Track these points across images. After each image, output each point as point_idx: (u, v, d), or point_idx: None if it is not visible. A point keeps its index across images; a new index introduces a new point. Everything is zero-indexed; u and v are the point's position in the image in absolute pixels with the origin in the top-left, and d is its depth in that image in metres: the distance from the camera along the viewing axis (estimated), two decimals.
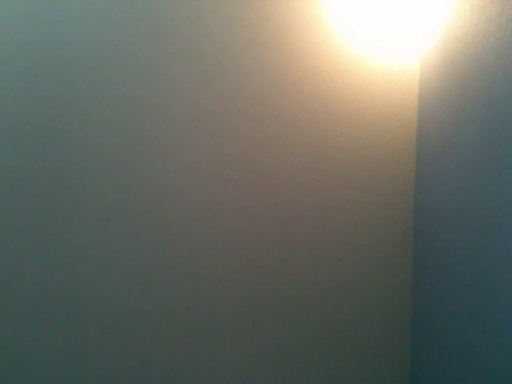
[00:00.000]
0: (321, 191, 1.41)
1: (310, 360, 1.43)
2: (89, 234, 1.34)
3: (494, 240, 1.07)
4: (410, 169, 1.43)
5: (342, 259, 1.43)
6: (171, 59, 1.35)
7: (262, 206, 1.39)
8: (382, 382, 1.45)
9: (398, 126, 1.42)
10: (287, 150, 1.39)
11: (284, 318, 1.41)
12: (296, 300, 1.42)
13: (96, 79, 1.33)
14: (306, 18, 1.37)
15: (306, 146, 1.40)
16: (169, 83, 1.35)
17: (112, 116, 1.34)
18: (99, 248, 1.35)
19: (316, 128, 1.40)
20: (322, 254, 1.42)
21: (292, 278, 1.41)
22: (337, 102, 1.40)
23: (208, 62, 1.36)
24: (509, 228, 1.02)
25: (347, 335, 1.43)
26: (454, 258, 1.23)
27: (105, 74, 1.33)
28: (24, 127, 1.32)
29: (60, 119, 1.33)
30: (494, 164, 1.07)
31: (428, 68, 1.36)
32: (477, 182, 1.13)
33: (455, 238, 1.22)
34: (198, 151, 1.37)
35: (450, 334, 1.24)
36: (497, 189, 1.06)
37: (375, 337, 1.44)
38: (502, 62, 1.04)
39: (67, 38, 1.32)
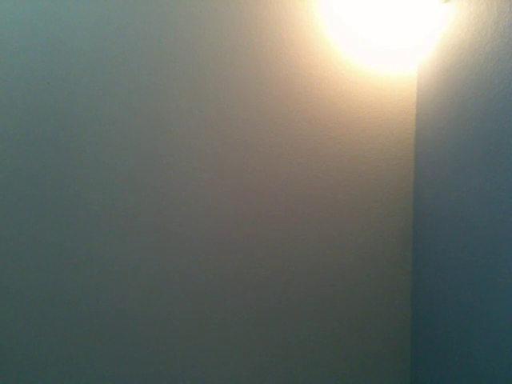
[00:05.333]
0: (319, 199, 1.41)
1: (311, 365, 1.42)
2: (89, 242, 1.34)
3: (493, 245, 1.07)
4: (408, 175, 1.43)
5: (341, 265, 1.42)
6: (167, 68, 1.35)
7: (260, 214, 1.39)
8: None
9: (396, 134, 1.42)
10: (285, 158, 1.39)
11: (284, 322, 1.41)
12: (296, 306, 1.41)
13: (95, 88, 1.33)
14: (304, 26, 1.38)
15: (304, 153, 1.40)
16: (165, 92, 1.35)
17: (110, 124, 1.34)
18: (99, 255, 1.34)
19: (314, 136, 1.40)
20: (320, 260, 1.41)
21: (291, 284, 1.41)
22: (334, 109, 1.40)
23: (204, 72, 1.36)
24: (508, 233, 1.02)
25: (347, 340, 1.43)
26: (453, 263, 1.22)
27: (103, 82, 1.34)
28: (23, 137, 1.32)
29: (59, 128, 1.33)
30: (492, 170, 1.07)
31: (425, 75, 1.37)
32: (475, 188, 1.13)
33: (454, 243, 1.22)
34: (196, 159, 1.37)
35: (450, 338, 1.23)
36: (495, 194, 1.06)
37: (375, 343, 1.44)
38: (499, 69, 1.05)
39: (66, 45, 1.32)
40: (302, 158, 1.40)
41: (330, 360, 1.43)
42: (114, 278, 1.35)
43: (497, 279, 1.05)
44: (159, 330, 1.37)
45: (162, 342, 1.37)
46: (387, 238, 1.43)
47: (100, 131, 1.34)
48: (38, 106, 1.32)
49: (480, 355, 1.11)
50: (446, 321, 1.25)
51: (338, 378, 1.43)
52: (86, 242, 1.34)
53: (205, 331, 1.38)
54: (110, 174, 1.34)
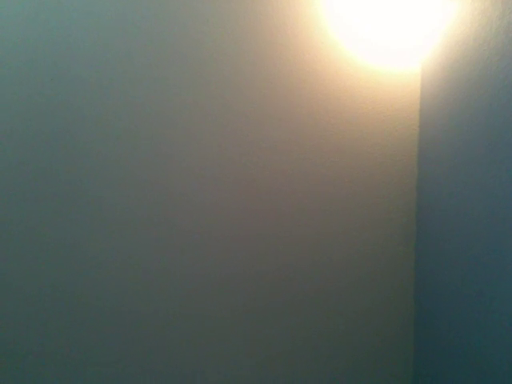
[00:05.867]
0: (322, 195, 1.41)
1: (313, 361, 1.42)
2: (92, 237, 1.34)
3: (496, 242, 1.07)
4: (412, 172, 1.43)
5: (344, 262, 1.42)
6: (171, 64, 1.35)
7: (263, 210, 1.39)
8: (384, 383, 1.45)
9: (400, 129, 1.42)
10: (288, 154, 1.39)
11: (286, 318, 1.41)
12: (299, 302, 1.41)
13: (98, 83, 1.33)
14: (307, 21, 1.38)
15: (308, 149, 1.40)
16: (169, 87, 1.35)
17: (113, 120, 1.34)
18: (101, 250, 1.35)
19: (317, 132, 1.40)
20: (323, 256, 1.42)
21: (294, 280, 1.41)
22: (338, 105, 1.40)
23: (208, 67, 1.36)
24: (511, 230, 1.02)
25: (350, 337, 1.43)
26: (456, 259, 1.23)
27: (107, 78, 1.34)
28: (27, 133, 1.32)
29: (62, 124, 1.33)
30: (495, 166, 1.07)
31: (429, 71, 1.37)
32: (479, 185, 1.13)
33: (457, 239, 1.22)
34: (199, 155, 1.37)
35: (453, 336, 1.23)
36: (498, 191, 1.06)
37: (378, 339, 1.44)
38: (503, 65, 1.05)
39: (68, 43, 1.33)
40: (305, 154, 1.40)
41: (332, 356, 1.43)
42: (116, 274, 1.35)
43: (501, 275, 1.06)
44: (160, 325, 1.37)
45: (163, 338, 1.37)
46: (390, 233, 1.43)
47: (103, 126, 1.34)
48: (42, 101, 1.32)
49: (484, 352, 1.11)
50: (450, 317, 1.25)
51: (339, 374, 1.43)
52: (88, 237, 1.34)
53: (206, 327, 1.39)
54: (113, 169, 1.35)
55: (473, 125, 1.16)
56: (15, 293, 1.32)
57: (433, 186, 1.35)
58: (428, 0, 1.38)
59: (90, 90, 1.33)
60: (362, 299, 1.43)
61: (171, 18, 1.35)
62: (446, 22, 1.28)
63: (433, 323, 1.34)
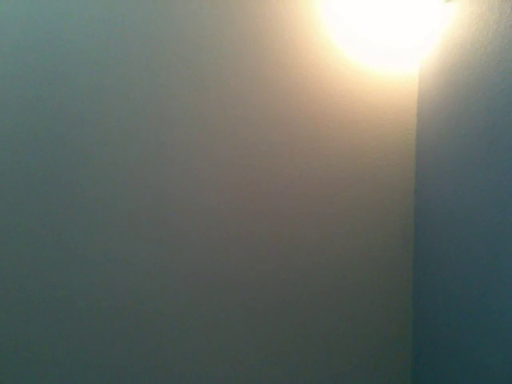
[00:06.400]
0: (321, 198, 1.41)
1: (311, 364, 1.43)
2: (92, 239, 1.35)
3: (495, 244, 1.08)
4: (409, 175, 1.44)
5: (342, 265, 1.43)
6: (170, 68, 1.36)
7: (262, 213, 1.40)
8: None
9: (398, 133, 1.43)
10: (287, 158, 1.40)
11: (284, 320, 1.41)
12: (297, 304, 1.42)
13: (96, 87, 1.34)
14: (305, 25, 1.38)
15: (306, 153, 1.40)
16: (168, 91, 1.36)
17: (112, 124, 1.34)
18: (101, 252, 1.35)
19: (315, 135, 1.40)
20: (322, 259, 1.42)
21: (293, 282, 1.41)
22: (336, 109, 1.40)
23: (206, 70, 1.37)
24: (510, 232, 1.03)
25: (349, 338, 1.44)
26: (454, 262, 1.23)
27: (105, 82, 1.34)
28: (26, 138, 1.32)
29: (61, 128, 1.33)
30: (493, 169, 1.08)
31: (427, 75, 1.37)
32: (476, 188, 1.14)
33: (455, 242, 1.23)
34: (199, 158, 1.37)
35: (451, 338, 1.24)
36: (496, 193, 1.07)
37: (376, 340, 1.44)
38: (500, 69, 1.05)
39: (67, 47, 1.33)
40: (304, 157, 1.40)
41: (331, 357, 1.43)
42: (116, 275, 1.35)
43: (498, 277, 1.06)
44: (160, 326, 1.37)
45: (163, 339, 1.37)
46: (388, 237, 1.44)
47: (102, 130, 1.34)
48: (40, 106, 1.32)
49: (482, 353, 1.12)
50: (448, 319, 1.26)
51: (339, 375, 1.44)
52: (87, 238, 1.34)
53: (206, 328, 1.39)
54: (112, 171, 1.35)
55: (470, 128, 1.16)
56: (15, 294, 1.32)
57: (431, 188, 1.36)
58: (426, 4, 1.38)
59: (89, 93, 1.34)
60: (361, 300, 1.44)
61: (169, 22, 1.35)
62: (443, 25, 1.29)
63: (431, 325, 1.34)
